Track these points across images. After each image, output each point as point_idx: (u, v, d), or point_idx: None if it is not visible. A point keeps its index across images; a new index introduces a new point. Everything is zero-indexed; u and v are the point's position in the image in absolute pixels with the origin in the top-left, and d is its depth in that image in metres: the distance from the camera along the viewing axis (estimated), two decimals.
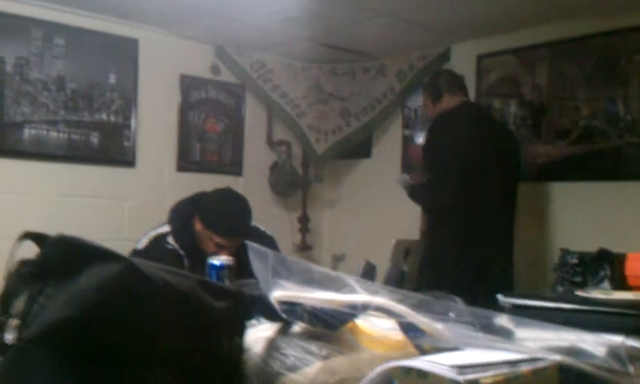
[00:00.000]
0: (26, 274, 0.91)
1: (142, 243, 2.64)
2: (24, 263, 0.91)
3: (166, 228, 2.65)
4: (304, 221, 4.97)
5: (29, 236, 0.92)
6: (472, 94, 4.06)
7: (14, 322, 0.90)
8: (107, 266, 0.89)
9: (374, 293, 1.08)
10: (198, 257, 2.43)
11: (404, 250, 3.21)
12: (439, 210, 3.37)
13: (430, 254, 3.30)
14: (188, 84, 4.45)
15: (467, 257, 3.20)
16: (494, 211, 3.32)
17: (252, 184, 4.54)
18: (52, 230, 0.98)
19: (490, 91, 4.10)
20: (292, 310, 1.06)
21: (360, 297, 1.06)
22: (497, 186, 3.33)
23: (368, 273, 2.48)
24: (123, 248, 2.29)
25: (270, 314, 1.08)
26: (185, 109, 4.44)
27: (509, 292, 1.44)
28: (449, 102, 3.44)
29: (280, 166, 4.84)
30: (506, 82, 4.05)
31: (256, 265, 1.08)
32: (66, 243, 0.91)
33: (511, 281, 3.30)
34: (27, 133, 3.76)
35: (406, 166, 4.52)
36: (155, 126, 4.27)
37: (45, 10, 3.80)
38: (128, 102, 4.14)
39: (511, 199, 3.43)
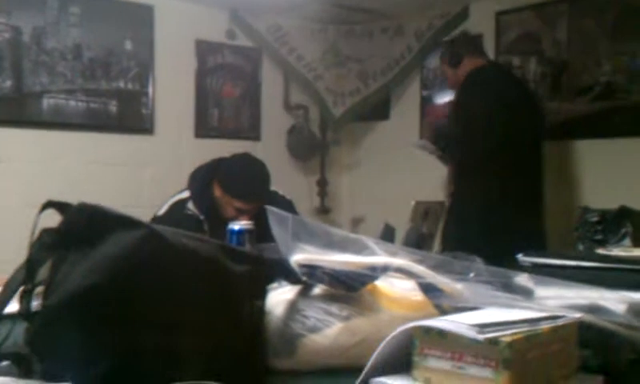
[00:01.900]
0: (49, 243, 0.92)
1: (163, 209, 2.66)
2: (47, 232, 0.93)
3: (186, 194, 2.67)
4: (322, 184, 4.97)
5: (51, 205, 0.93)
6: (491, 52, 4.01)
7: (39, 289, 0.92)
8: (129, 232, 0.90)
9: (393, 254, 1.09)
10: (217, 221, 2.45)
11: (423, 211, 3.20)
12: (472, 161, 3.34)
13: (457, 215, 3.31)
14: (204, 49, 4.43)
15: (498, 216, 3.21)
16: (525, 170, 3.33)
17: (270, 148, 4.54)
18: (73, 198, 0.99)
19: (509, 49, 4.05)
20: (312, 273, 1.07)
21: (380, 258, 1.07)
22: (526, 147, 3.35)
23: (387, 235, 2.48)
24: (143, 215, 2.31)
25: (290, 276, 1.09)
26: (201, 74, 4.43)
27: (531, 251, 1.43)
28: (469, 65, 3.42)
29: (298, 129, 4.83)
30: (526, 39, 4.00)
31: (276, 229, 1.09)
32: (87, 211, 0.92)
33: (543, 240, 3.30)
34: (46, 102, 3.79)
35: (426, 127, 4.49)
36: (172, 92, 4.28)
37: None
38: (145, 69, 4.14)
39: (539, 158, 3.43)
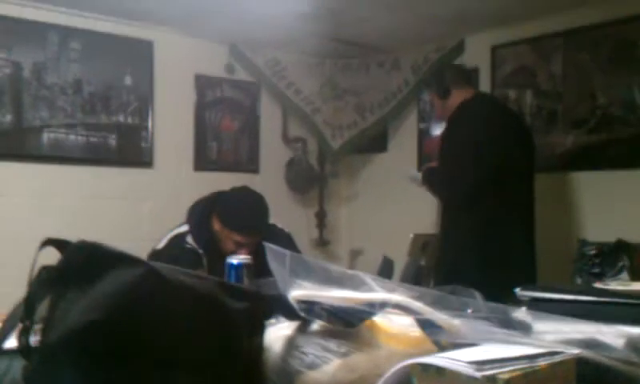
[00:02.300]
0: (48, 280, 0.92)
1: (162, 243, 2.66)
2: (46, 269, 0.93)
3: (185, 227, 2.67)
4: (321, 216, 4.98)
5: (51, 242, 0.94)
6: (487, 85, 4.05)
7: (37, 326, 0.92)
8: (127, 270, 0.90)
9: (391, 290, 1.09)
10: (216, 255, 2.45)
11: (421, 244, 3.21)
12: (455, 200, 3.32)
13: (450, 247, 3.28)
14: (203, 84, 4.47)
15: (488, 250, 3.16)
16: (515, 203, 3.28)
17: (269, 181, 4.56)
18: (72, 232, 1.00)
19: (505, 82, 4.09)
20: (310, 309, 1.07)
21: (378, 294, 1.07)
22: (516, 178, 3.30)
23: (386, 267, 2.48)
24: (142, 248, 2.32)
25: (288, 312, 1.09)
26: (200, 108, 4.46)
27: (529, 285, 1.44)
28: (458, 96, 3.37)
29: (296, 162, 4.85)
30: (521, 72, 4.03)
31: (274, 265, 1.09)
32: (86, 249, 0.93)
33: (534, 273, 3.27)
34: (46, 137, 3.81)
35: (423, 159, 4.51)
36: (172, 126, 4.30)
37: (60, 15, 3.84)
38: (144, 103, 4.17)
39: (530, 190, 3.40)
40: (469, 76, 3.60)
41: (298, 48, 4.61)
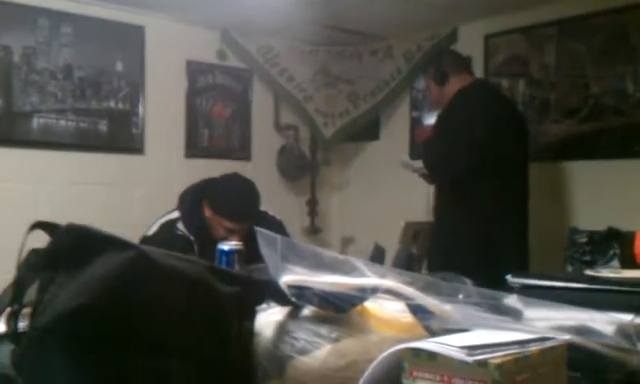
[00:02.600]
0: (37, 264, 0.92)
1: (152, 229, 2.66)
2: (35, 253, 0.92)
3: (176, 214, 2.67)
4: (313, 204, 4.98)
5: (39, 226, 0.93)
6: (480, 74, 4.04)
7: (26, 310, 0.91)
8: (117, 254, 0.89)
9: (382, 275, 1.09)
10: (207, 242, 2.45)
11: (413, 232, 3.21)
12: (447, 177, 3.31)
13: (444, 234, 3.29)
14: (194, 70, 4.45)
15: (482, 237, 3.18)
16: (509, 191, 3.30)
17: (260, 168, 4.55)
18: (62, 218, 0.99)
19: (498, 71, 4.08)
20: (301, 294, 1.07)
21: (369, 280, 1.07)
22: (511, 166, 3.32)
23: (377, 255, 2.48)
24: (133, 235, 2.30)
25: (279, 298, 1.08)
26: (192, 95, 4.44)
27: (520, 272, 1.44)
28: (456, 82, 3.38)
29: (288, 149, 4.84)
30: (514, 62, 4.03)
31: (265, 250, 1.09)
32: (75, 232, 0.92)
33: (526, 261, 3.28)
34: (36, 122, 3.78)
35: (415, 148, 4.52)
36: (163, 112, 4.28)
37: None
38: (135, 89, 4.15)
39: (525, 178, 3.41)
40: (467, 63, 3.60)
41: (291, 35, 4.59)
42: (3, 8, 3.66)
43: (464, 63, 3.57)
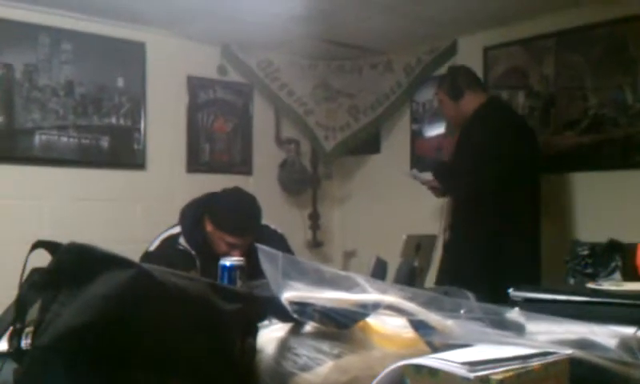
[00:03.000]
0: (39, 282, 0.92)
1: (154, 245, 2.65)
2: (37, 271, 0.92)
3: (177, 229, 2.67)
4: (314, 218, 4.98)
5: (41, 245, 0.93)
6: None
7: (29, 329, 0.92)
8: (119, 272, 0.90)
9: (384, 291, 1.09)
10: (209, 257, 2.44)
11: (415, 245, 3.20)
12: (473, 195, 3.37)
13: (459, 248, 3.36)
14: (195, 85, 4.46)
15: (496, 251, 3.26)
16: (526, 205, 3.39)
17: (262, 183, 4.55)
18: (65, 234, 1.00)
19: (497, 83, 4.09)
20: (303, 310, 1.07)
21: (370, 296, 1.07)
22: (527, 180, 3.41)
23: (379, 269, 2.48)
24: (135, 250, 2.31)
25: (281, 314, 1.09)
26: (193, 110, 4.45)
27: (522, 285, 1.44)
28: (472, 99, 3.48)
29: (289, 164, 4.85)
30: (514, 74, 4.04)
31: (266, 266, 1.09)
32: (77, 251, 0.92)
33: (539, 275, 3.34)
34: (38, 139, 3.79)
35: (416, 161, 4.53)
36: (164, 128, 4.29)
37: (51, 16, 3.82)
38: (137, 105, 4.16)
39: (537, 193, 3.49)
40: (480, 79, 3.69)
41: (291, 49, 4.61)
42: (4, 26, 3.68)
43: (478, 80, 3.65)
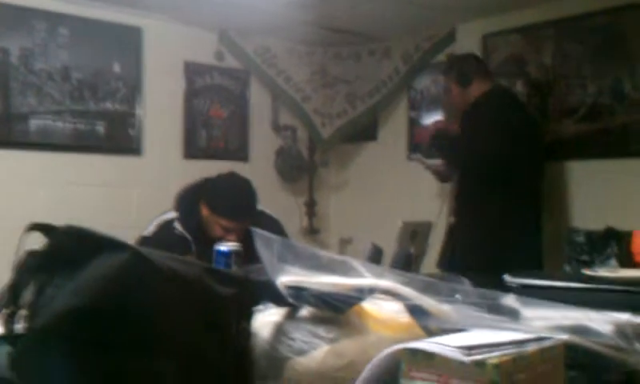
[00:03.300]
0: (34, 265, 0.92)
1: (149, 230, 2.65)
2: (32, 254, 0.92)
3: (173, 214, 2.66)
4: (311, 205, 4.97)
5: (36, 227, 0.93)
6: None
7: (23, 312, 0.91)
8: (114, 255, 0.89)
9: (380, 276, 1.09)
10: (205, 242, 2.43)
11: (410, 232, 3.20)
12: (478, 165, 3.36)
13: (463, 235, 3.38)
14: (192, 71, 4.44)
15: (496, 239, 3.27)
16: (528, 193, 3.42)
17: (258, 169, 4.54)
18: (60, 219, 0.99)
19: (496, 71, 4.07)
20: (299, 295, 1.07)
21: (366, 280, 1.07)
22: (530, 168, 3.42)
23: (375, 256, 2.48)
24: (131, 235, 2.30)
25: (276, 298, 1.08)
26: (190, 96, 4.44)
27: (518, 271, 1.44)
28: (479, 86, 3.48)
29: (286, 150, 4.84)
30: (512, 62, 4.03)
31: (262, 250, 1.08)
32: (72, 234, 0.92)
33: (541, 260, 3.35)
34: (33, 123, 3.78)
35: (413, 148, 4.52)
36: (161, 113, 4.28)
37: (48, 1, 3.80)
38: (133, 90, 4.15)
39: (538, 182, 3.51)
40: (487, 67, 3.68)
41: (289, 35, 4.59)
42: (0, 10, 3.66)
43: (485, 68, 3.66)
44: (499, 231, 3.29)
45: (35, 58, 3.78)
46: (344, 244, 4.95)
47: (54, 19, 3.83)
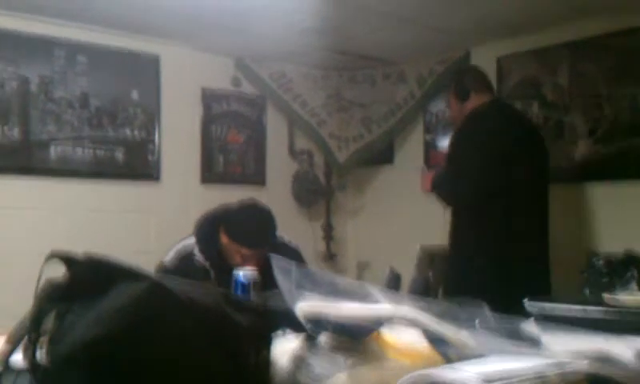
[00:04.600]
0: (55, 294, 0.92)
1: (170, 258, 2.65)
2: (52, 282, 0.93)
3: (192, 240, 2.67)
4: (328, 229, 4.97)
5: (56, 256, 0.94)
6: None
7: (43, 339, 0.92)
8: (133, 284, 0.90)
9: (398, 303, 1.08)
10: (224, 269, 2.44)
11: (429, 256, 3.19)
12: (458, 200, 3.27)
13: (459, 257, 3.26)
14: (209, 97, 4.48)
15: (496, 259, 3.14)
16: (528, 210, 3.25)
17: (275, 194, 4.56)
18: (80, 246, 1.00)
19: (510, 93, 4.08)
20: (317, 322, 1.06)
21: (384, 307, 1.07)
22: (526, 187, 3.26)
23: (393, 281, 2.47)
24: (150, 261, 2.32)
25: (295, 325, 1.08)
26: (207, 122, 4.47)
27: (537, 296, 1.43)
28: (476, 101, 3.35)
29: (302, 175, 4.85)
30: (527, 84, 4.02)
31: (280, 278, 1.09)
32: (92, 263, 0.93)
33: (548, 284, 3.23)
34: (53, 150, 3.82)
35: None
36: (178, 139, 4.31)
37: (67, 29, 3.85)
38: (151, 117, 4.19)
39: (543, 201, 3.36)
40: (488, 81, 3.56)
41: (304, 61, 4.63)
42: (20, 39, 3.72)
43: (485, 81, 3.52)
44: (494, 253, 3.14)
45: (54, 85, 3.83)
46: (362, 268, 4.93)
47: (73, 47, 3.89)
